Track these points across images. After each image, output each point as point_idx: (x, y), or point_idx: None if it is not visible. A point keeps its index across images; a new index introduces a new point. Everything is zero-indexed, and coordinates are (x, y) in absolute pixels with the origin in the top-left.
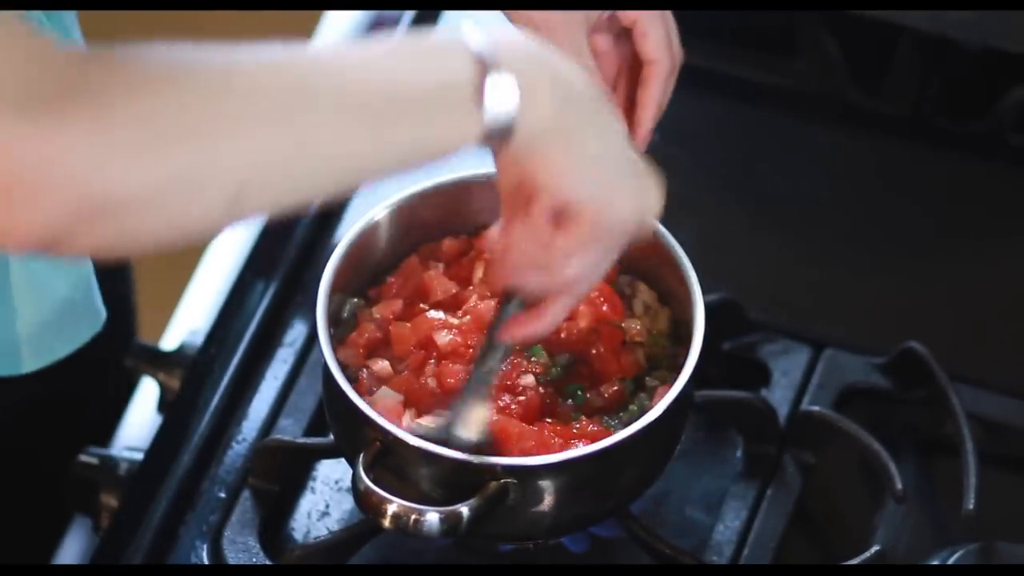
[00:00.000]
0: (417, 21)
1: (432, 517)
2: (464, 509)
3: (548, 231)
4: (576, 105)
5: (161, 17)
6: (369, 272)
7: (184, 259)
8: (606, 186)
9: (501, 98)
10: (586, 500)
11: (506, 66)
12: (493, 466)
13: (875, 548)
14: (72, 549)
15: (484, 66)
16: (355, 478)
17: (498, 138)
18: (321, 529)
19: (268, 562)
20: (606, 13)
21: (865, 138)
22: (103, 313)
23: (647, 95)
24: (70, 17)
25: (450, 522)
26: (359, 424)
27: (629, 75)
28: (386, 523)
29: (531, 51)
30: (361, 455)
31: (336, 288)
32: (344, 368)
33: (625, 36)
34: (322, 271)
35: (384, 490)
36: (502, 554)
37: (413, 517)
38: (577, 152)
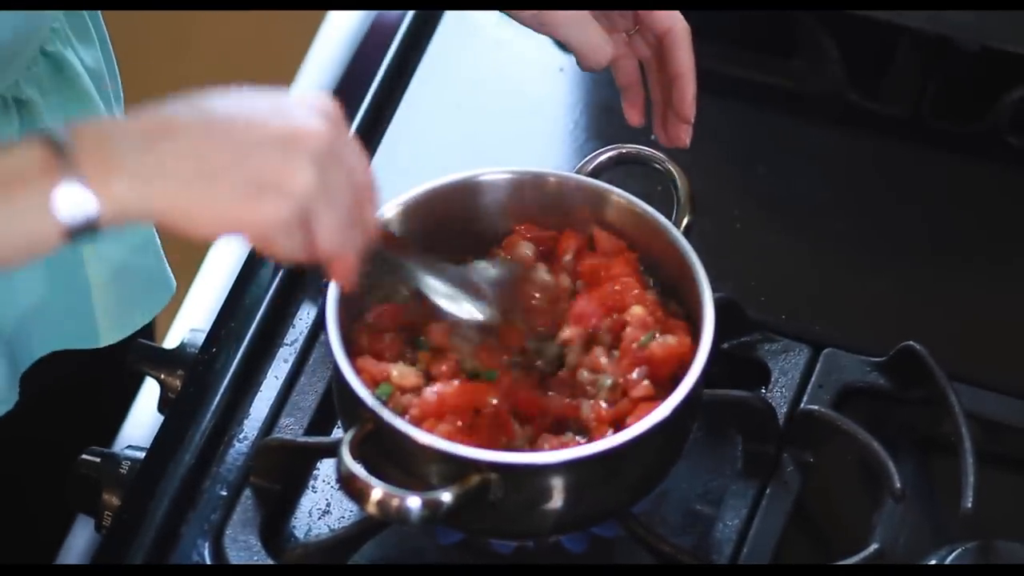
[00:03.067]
0: (417, 21)
1: (414, 503)
2: (445, 496)
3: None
4: (166, 146)
5: (162, 17)
6: None
7: (185, 259)
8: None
9: (74, 204)
10: (585, 501)
11: (78, 166)
12: (475, 459)
13: (874, 547)
14: (74, 548)
15: (55, 167)
16: (339, 461)
17: (84, 233)
18: (322, 528)
19: (269, 561)
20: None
21: (865, 138)
22: (173, 282)
23: (677, 61)
24: (94, 17)
25: (430, 508)
26: (349, 404)
27: (655, 67)
28: (368, 508)
29: (113, 132)
30: (347, 438)
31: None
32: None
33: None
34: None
35: (375, 474)
36: (502, 554)
37: (395, 502)
38: (194, 189)
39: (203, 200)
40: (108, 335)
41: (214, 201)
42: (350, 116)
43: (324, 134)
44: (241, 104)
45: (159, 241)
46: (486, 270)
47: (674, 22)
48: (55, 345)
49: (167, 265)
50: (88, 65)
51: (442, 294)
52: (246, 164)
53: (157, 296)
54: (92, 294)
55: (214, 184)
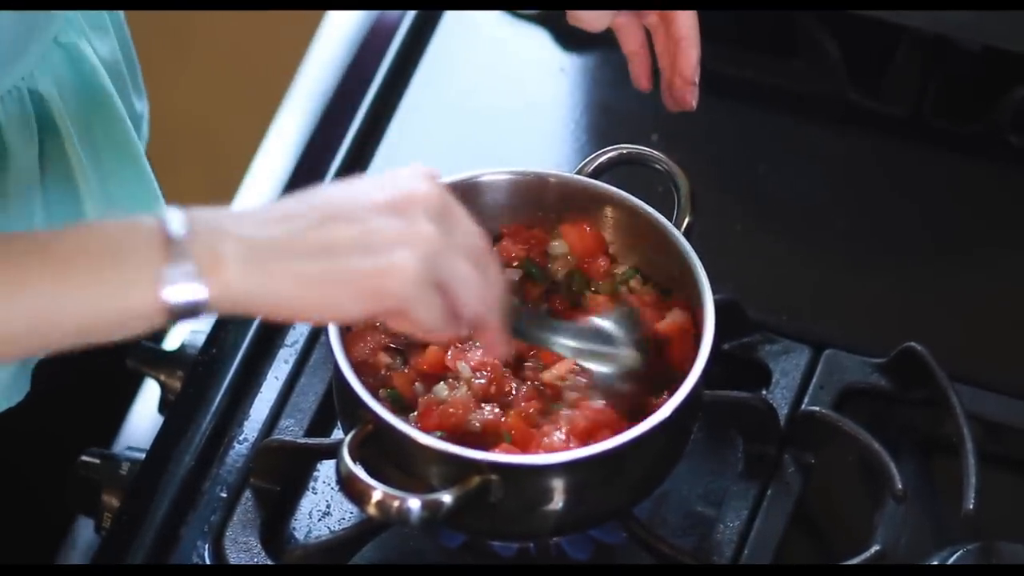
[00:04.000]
0: (417, 21)
1: (414, 504)
2: (446, 497)
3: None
4: (277, 243)
5: (162, 17)
6: None
7: None
8: (339, 281)
9: (181, 287)
10: (585, 502)
11: (190, 252)
12: (476, 460)
13: (875, 548)
14: (74, 549)
15: (168, 253)
16: (339, 462)
17: (188, 315)
18: (322, 529)
19: (269, 562)
20: None
21: (865, 138)
22: None
23: (681, 24)
24: (114, 16)
25: (430, 509)
26: (349, 406)
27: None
28: (368, 509)
29: (218, 224)
30: (347, 439)
31: None
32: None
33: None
34: None
35: (375, 476)
36: (503, 556)
37: (395, 503)
38: (298, 287)
39: (330, 280)
40: None
41: (341, 277)
42: (350, 116)
43: (435, 192)
44: (346, 186)
45: None
46: (603, 317)
47: None
48: None
49: None
50: (103, 56)
51: (581, 353)
52: (368, 236)
53: None
54: None
55: (338, 262)
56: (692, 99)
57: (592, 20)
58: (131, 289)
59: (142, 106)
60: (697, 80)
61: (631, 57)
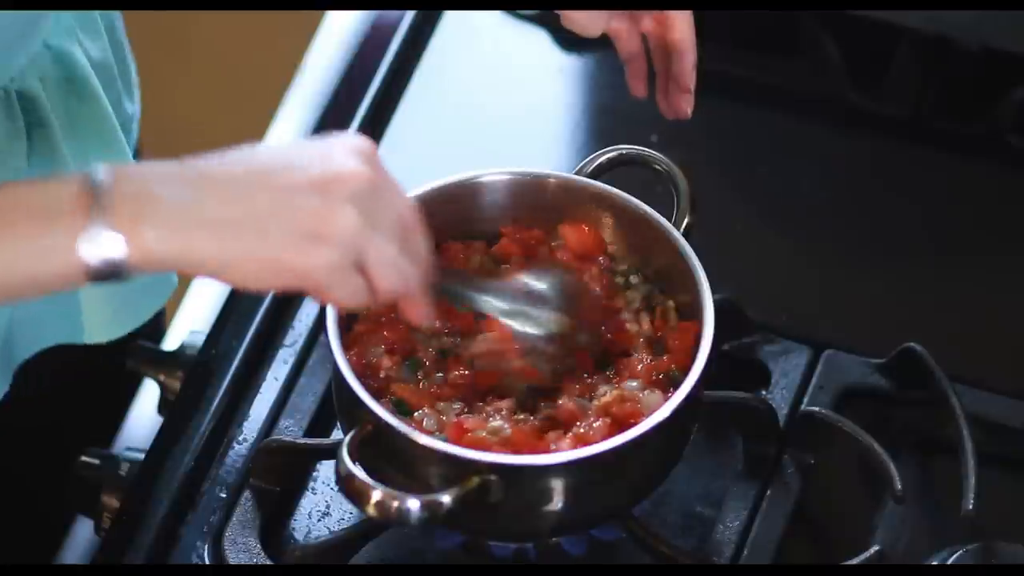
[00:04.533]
0: (417, 21)
1: (413, 504)
2: (445, 498)
3: None
4: (197, 193)
5: (162, 17)
6: None
7: None
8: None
9: (100, 246)
10: (585, 502)
11: (111, 213)
12: (475, 461)
13: (875, 548)
14: (74, 549)
15: (89, 213)
16: (338, 463)
17: (108, 276)
18: (322, 529)
19: (269, 562)
20: None
21: (865, 139)
22: (174, 278)
23: (677, 30)
24: (106, 19)
25: (430, 509)
26: (349, 406)
27: (657, 38)
28: (368, 509)
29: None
30: (346, 440)
31: None
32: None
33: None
34: None
35: (374, 476)
36: (502, 556)
37: (395, 503)
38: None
39: (247, 252)
40: (98, 332)
41: (259, 252)
42: (350, 116)
43: (362, 174)
44: (279, 153)
45: None
46: (539, 279)
47: None
48: (44, 339)
49: None
50: (94, 58)
51: (508, 313)
52: (287, 212)
53: (157, 294)
54: (80, 293)
55: (257, 235)
56: (688, 107)
57: (587, 24)
58: (50, 247)
59: (133, 108)
60: (693, 88)
61: (627, 63)
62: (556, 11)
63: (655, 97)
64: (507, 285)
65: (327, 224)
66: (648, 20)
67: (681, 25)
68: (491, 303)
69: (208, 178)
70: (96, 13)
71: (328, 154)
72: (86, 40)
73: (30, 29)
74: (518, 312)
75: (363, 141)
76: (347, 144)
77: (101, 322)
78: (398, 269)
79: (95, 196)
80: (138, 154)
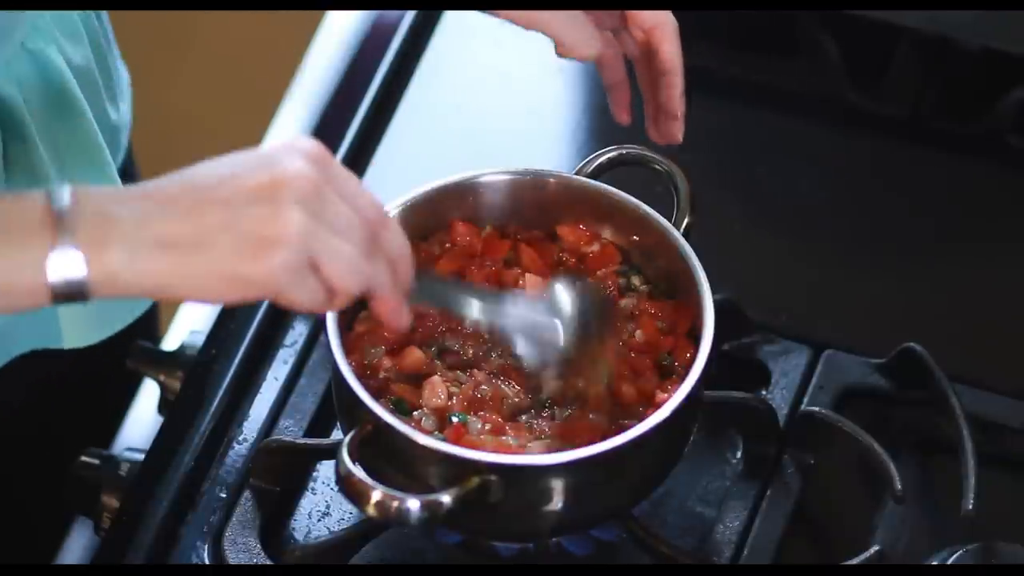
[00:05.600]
0: (417, 21)
1: (413, 504)
2: (445, 498)
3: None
4: (158, 209)
5: (162, 17)
6: None
7: None
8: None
9: (63, 267)
10: (585, 502)
11: (75, 232)
12: (475, 461)
13: (875, 548)
14: (73, 549)
15: (54, 232)
16: (338, 463)
17: (70, 296)
18: (322, 529)
19: (269, 562)
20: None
21: (865, 139)
22: None
23: (664, 57)
24: (85, 15)
25: (429, 510)
26: (349, 406)
27: (643, 64)
28: (368, 509)
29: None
30: (346, 440)
31: None
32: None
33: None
34: None
35: (374, 476)
36: (502, 555)
37: (394, 503)
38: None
39: (202, 267)
40: (76, 337)
41: (212, 265)
42: (350, 116)
43: (307, 175)
44: (223, 165)
45: None
46: (559, 293)
47: (661, 18)
48: (21, 345)
49: None
50: (75, 63)
51: (490, 316)
52: (235, 222)
53: (127, 308)
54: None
55: (209, 249)
56: (679, 133)
57: (582, 50)
58: (13, 266)
59: (119, 116)
60: (681, 114)
61: (611, 90)
62: (550, 38)
63: (643, 124)
64: (483, 289)
65: (274, 228)
66: (631, 44)
67: (668, 52)
68: (470, 306)
69: (157, 198)
70: (76, 17)
71: (272, 159)
72: (67, 45)
73: (7, 29)
74: (498, 315)
75: (310, 143)
76: (293, 147)
77: (79, 327)
78: (355, 267)
79: (57, 216)
80: (131, 162)
